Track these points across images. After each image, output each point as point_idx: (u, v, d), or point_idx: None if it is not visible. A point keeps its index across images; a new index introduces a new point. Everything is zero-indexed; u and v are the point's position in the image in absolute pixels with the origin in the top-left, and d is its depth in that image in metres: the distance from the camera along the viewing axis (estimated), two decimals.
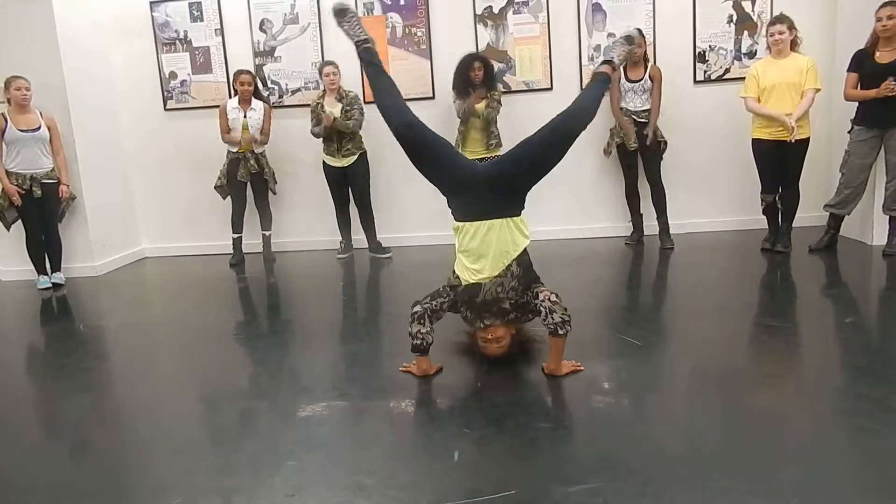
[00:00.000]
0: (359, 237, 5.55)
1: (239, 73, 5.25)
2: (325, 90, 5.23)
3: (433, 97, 5.54)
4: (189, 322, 4.01)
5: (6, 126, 4.78)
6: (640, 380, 2.76)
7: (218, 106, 5.36)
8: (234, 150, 5.25)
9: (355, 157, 5.26)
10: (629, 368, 2.86)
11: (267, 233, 5.54)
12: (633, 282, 4.51)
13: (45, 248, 5.04)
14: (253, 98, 5.28)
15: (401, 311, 4.05)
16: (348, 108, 5.16)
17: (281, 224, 5.71)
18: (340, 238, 5.49)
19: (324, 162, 5.33)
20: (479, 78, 5.02)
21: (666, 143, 5.08)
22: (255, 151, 5.30)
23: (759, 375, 2.80)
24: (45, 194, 4.92)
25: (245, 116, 5.21)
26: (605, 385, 2.71)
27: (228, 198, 5.40)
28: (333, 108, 5.15)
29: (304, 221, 5.80)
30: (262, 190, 5.44)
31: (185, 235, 5.96)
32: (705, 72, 5.34)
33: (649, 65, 5.00)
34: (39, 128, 4.89)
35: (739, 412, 2.41)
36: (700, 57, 5.32)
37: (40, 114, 4.94)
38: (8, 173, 4.82)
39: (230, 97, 5.36)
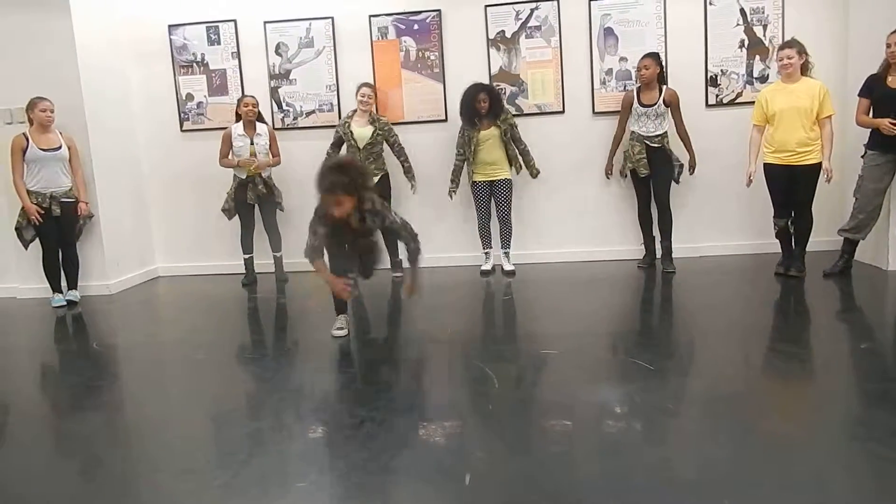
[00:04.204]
0: None
1: (243, 96, 5.33)
2: (355, 110, 5.24)
3: (445, 120, 5.59)
4: (201, 341, 4.02)
5: (28, 145, 4.87)
6: (653, 404, 2.73)
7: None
8: (243, 175, 5.29)
9: (377, 177, 5.26)
10: (641, 393, 2.84)
11: (278, 254, 5.56)
12: (646, 305, 4.49)
13: (63, 265, 5.10)
14: (257, 123, 5.33)
15: (410, 332, 4.08)
16: (381, 133, 5.18)
17: (293, 244, 5.73)
18: None
19: None
20: (484, 109, 5.06)
21: (682, 166, 5.08)
22: (263, 175, 5.34)
23: (773, 401, 2.77)
24: (64, 213, 4.99)
25: (252, 143, 5.26)
26: (618, 409, 2.69)
27: (236, 219, 5.45)
28: (363, 129, 5.17)
29: None
30: (271, 212, 5.47)
31: (199, 255, 6.01)
32: (717, 95, 5.36)
33: (664, 88, 5.01)
34: (60, 147, 4.98)
35: (752, 438, 2.38)
36: (712, 81, 5.35)
37: (60, 134, 5.03)
38: (28, 192, 4.90)
39: (236, 122, 5.38)
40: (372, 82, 5.39)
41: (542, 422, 2.63)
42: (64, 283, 5.15)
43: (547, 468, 2.22)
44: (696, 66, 5.34)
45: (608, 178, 5.33)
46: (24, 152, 4.87)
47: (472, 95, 5.08)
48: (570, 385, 2.98)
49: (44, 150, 4.90)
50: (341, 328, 3.87)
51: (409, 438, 2.54)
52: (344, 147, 5.27)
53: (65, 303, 5.05)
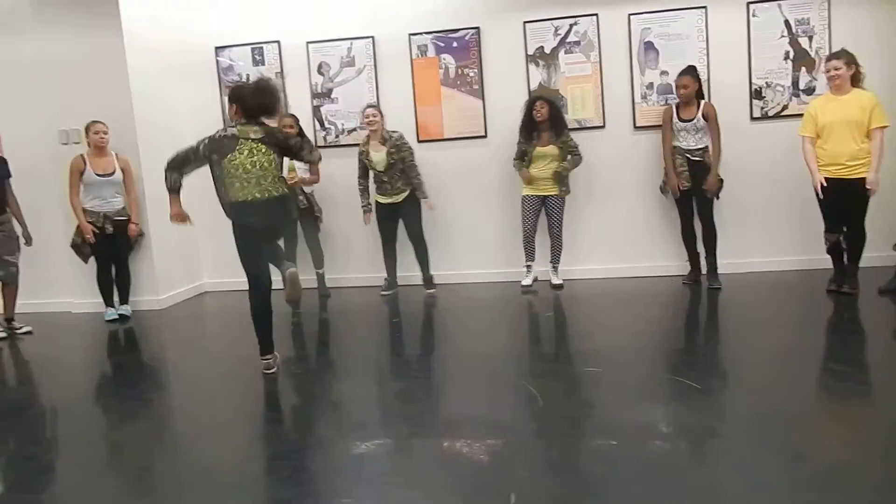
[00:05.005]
0: (402, 274, 5.59)
1: (283, 116, 5.44)
2: (368, 135, 5.32)
3: (485, 136, 5.61)
4: (246, 355, 4.08)
5: (85, 168, 5.07)
6: (700, 424, 2.68)
7: None
8: None
9: (406, 193, 5.32)
10: (688, 412, 2.79)
11: (320, 270, 5.64)
12: (691, 323, 4.41)
13: (115, 281, 5.28)
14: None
15: (452, 349, 4.09)
16: (394, 150, 5.20)
17: (335, 261, 5.82)
18: (385, 275, 5.55)
19: (375, 200, 5.42)
20: (542, 115, 5.06)
21: (722, 182, 4.99)
22: (305, 190, 5.43)
23: (826, 423, 2.69)
24: (117, 231, 5.17)
25: (291, 159, 5.36)
26: (664, 429, 2.64)
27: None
28: (379, 152, 5.23)
29: (358, 258, 5.89)
30: (312, 228, 5.55)
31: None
32: (762, 108, 5.27)
33: (703, 102, 4.95)
34: (114, 172, 5.17)
35: (804, 462, 2.31)
36: (756, 94, 5.26)
37: (116, 156, 5.22)
38: (84, 211, 5.09)
39: None
40: (373, 104, 5.43)
41: (587, 441, 2.61)
42: (116, 298, 5.32)
43: (592, 488, 2.20)
44: (739, 79, 5.25)
45: (677, 194, 5.03)
46: (82, 174, 5.07)
47: (530, 103, 5.13)
48: (615, 404, 2.95)
49: (99, 175, 5.10)
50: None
51: (453, 456, 2.54)
52: (371, 175, 5.35)
53: (116, 317, 5.21)
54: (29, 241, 5.06)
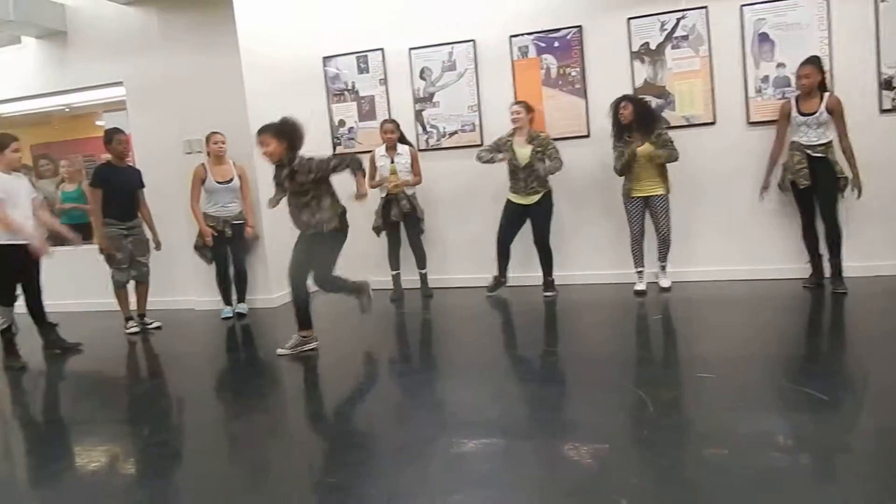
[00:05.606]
0: (509, 275, 5.57)
1: (383, 122, 5.60)
2: (514, 130, 5.27)
3: (588, 135, 5.52)
4: (352, 354, 4.24)
5: (206, 176, 5.44)
6: (823, 437, 2.51)
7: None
8: (384, 193, 5.53)
9: (540, 195, 5.25)
10: (810, 424, 2.62)
11: (423, 270, 5.74)
12: (813, 329, 4.13)
13: (233, 281, 5.62)
14: (399, 144, 5.55)
15: (562, 351, 4.04)
16: (540, 149, 5.16)
17: (437, 261, 5.90)
18: (496, 273, 5.48)
19: (508, 199, 5.37)
20: (626, 118, 4.92)
21: (847, 179, 4.66)
22: (407, 193, 5.54)
23: None
24: (235, 234, 5.52)
25: (392, 162, 5.50)
26: (781, 440, 2.50)
27: (383, 237, 5.69)
28: (523, 149, 5.19)
29: (459, 259, 5.95)
30: (415, 229, 5.66)
31: (349, 271, 6.30)
32: (893, 100, 4.86)
33: (826, 95, 4.63)
34: (232, 179, 5.52)
35: None
36: (886, 84, 4.86)
37: (233, 163, 5.57)
38: (205, 215, 5.46)
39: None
40: (520, 101, 5.35)
41: (699, 450, 2.51)
42: (234, 297, 5.66)
43: (702, 498, 2.11)
44: (866, 69, 4.88)
45: (762, 197, 4.99)
46: (203, 182, 5.44)
47: (615, 106, 5.01)
48: (729, 412, 2.81)
49: (219, 182, 5.45)
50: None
51: (561, 459, 2.52)
52: (504, 160, 5.25)
53: (231, 315, 5.56)
54: (158, 246, 5.48)
